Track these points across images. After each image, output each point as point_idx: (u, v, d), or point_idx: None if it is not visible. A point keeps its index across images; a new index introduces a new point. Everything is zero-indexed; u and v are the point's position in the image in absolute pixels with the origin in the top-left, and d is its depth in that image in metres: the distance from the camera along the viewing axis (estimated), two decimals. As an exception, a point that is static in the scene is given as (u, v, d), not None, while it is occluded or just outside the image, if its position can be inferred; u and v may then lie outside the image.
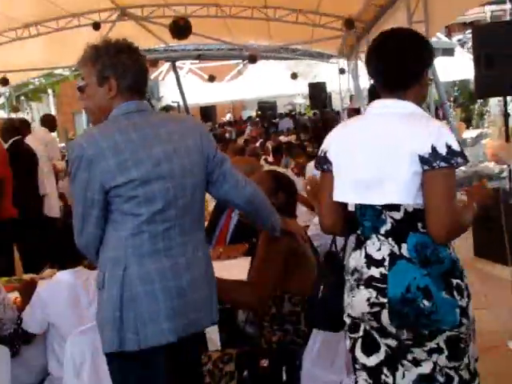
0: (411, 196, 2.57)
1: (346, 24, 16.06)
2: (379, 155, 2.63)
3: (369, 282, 2.66)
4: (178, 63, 27.49)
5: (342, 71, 22.32)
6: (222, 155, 3.11)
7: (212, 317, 2.98)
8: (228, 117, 33.31)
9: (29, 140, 7.99)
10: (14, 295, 3.82)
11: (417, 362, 2.66)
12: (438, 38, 20.38)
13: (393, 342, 2.69)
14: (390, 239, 2.66)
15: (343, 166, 2.75)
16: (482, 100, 17.93)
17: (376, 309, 2.64)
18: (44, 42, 18.02)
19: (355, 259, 2.76)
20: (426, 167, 2.51)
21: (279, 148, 11.71)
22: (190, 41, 17.78)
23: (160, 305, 2.76)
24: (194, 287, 2.86)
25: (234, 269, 3.71)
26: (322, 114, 23.63)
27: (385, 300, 2.61)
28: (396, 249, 2.64)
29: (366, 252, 2.71)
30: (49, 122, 9.73)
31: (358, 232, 2.82)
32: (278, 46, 22.67)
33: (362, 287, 2.69)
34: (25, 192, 6.91)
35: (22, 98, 26.39)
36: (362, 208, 2.76)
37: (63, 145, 15.63)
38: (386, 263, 2.64)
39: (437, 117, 19.03)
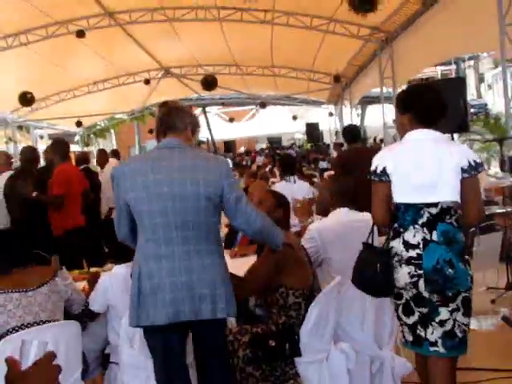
0: (455, 195, 2.87)
1: (334, 79, 16.09)
2: (432, 167, 2.89)
3: (409, 261, 2.91)
4: (207, 108, 27.60)
5: (330, 114, 22.29)
6: (238, 194, 2.96)
7: (215, 312, 2.84)
8: (242, 149, 33.14)
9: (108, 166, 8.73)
10: (83, 284, 3.82)
11: (442, 323, 2.91)
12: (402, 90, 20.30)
13: (424, 310, 2.94)
14: (424, 228, 2.91)
15: (403, 176, 2.94)
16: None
17: (415, 279, 2.89)
18: (108, 94, 18.21)
19: (395, 246, 2.98)
20: (465, 175, 2.85)
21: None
22: (216, 92, 17.84)
23: (158, 296, 2.79)
24: (189, 287, 2.80)
25: (246, 265, 3.68)
26: (316, 146, 23.66)
27: (421, 272, 2.88)
28: (428, 236, 2.90)
29: (403, 239, 2.95)
30: (116, 153, 11.37)
31: (395, 225, 3.01)
32: (282, 95, 22.73)
33: (403, 265, 2.93)
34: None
35: (92, 135, 26.50)
36: (405, 207, 2.96)
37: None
38: (421, 246, 2.89)
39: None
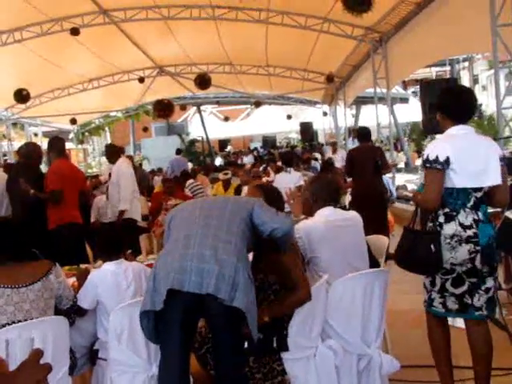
0: (500, 179, 3.36)
1: (328, 79, 16.07)
2: (482, 156, 3.34)
3: (468, 240, 3.30)
4: (201, 107, 27.57)
5: (324, 114, 22.31)
6: (274, 227, 3.08)
7: (219, 290, 2.80)
8: (229, 148, 32.95)
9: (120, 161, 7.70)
10: (72, 280, 3.83)
11: (487, 290, 3.38)
12: (396, 90, 20.40)
13: (474, 280, 3.35)
14: (473, 211, 3.34)
15: (462, 164, 3.29)
16: (429, 137, 17.94)
17: (473, 255, 3.30)
18: (102, 92, 18.17)
19: (451, 228, 3.33)
20: (501, 163, 3.37)
21: (279, 171, 11.80)
22: (211, 90, 17.84)
23: (168, 267, 2.88)
24: (199, 259, 2.85)
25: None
26: (310, 145, 23.71)
27: (478, 248, 3.30)
28: (476, 216, 3.33)
29: (459, 221, 3.33)
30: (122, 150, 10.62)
31: (446, 210, 3.37)
32: (276, 95, 22.70)
33: (463, 244, 3.30)
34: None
35: (86, 133, 26.45)
36: (457, 192, 3.34)
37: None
38: (474, 226, 3.31)
39: (395, 149, 19.07)
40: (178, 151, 17.39)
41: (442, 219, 3.37)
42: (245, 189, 7.76)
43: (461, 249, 3.29)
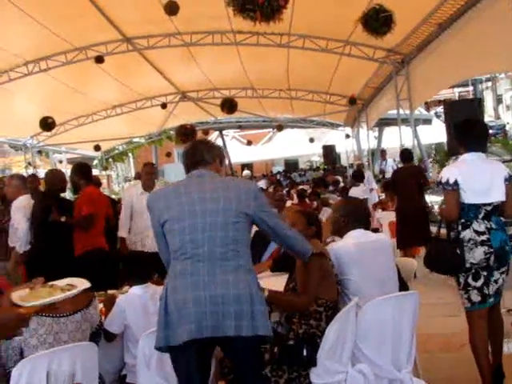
0: (503, 196, 4.06)
1: (350, 101, 16.09)
2: (487, 178, 4.06)
3: (482, 243, 4.00)
4: (224, 132, 27.76)
5: (347, 136, 22.30)
6: (270, 212, 3.10)
7: (241, 328, 2.75)
8: (246, 172, 32.90)
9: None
10: (100, 306, 3.84)
11: (496, 281, 4.08)
12: (419, 111, 20.34)
13: (485, 273, 4.03)
14: (484, 221, 4.04)
15: (471, 184, 4.03)
16: (454, 157, 17.79)
17: (488, 255, 4.01)
18: (125, 118, 18.38)
19: (467, 234, 4.04)
20: (506, 183, 4.08)
21: (302, 194, 11.87)
22: (233, 115, 17.94)
23: (182, 312, 2.76)
24: (213, 302, 2.75)
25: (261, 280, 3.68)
26: (333, 168, 23.66)
27: (492, 250, 4.00)
28: (488, 225, 4.04)
29: (473, 229, 4.03)
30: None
31: (462, 220, 4.07)
32: (299, 118, 22.75)
33: (479, 246, 4.01)
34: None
35: (110, 159, 26.74)
36: (468, 206, 4.04)
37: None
38: (487, 232, 4.02)
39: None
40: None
41: (460, 228, 4.11)
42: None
43: (477, 250, 4.02)
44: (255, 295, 2.84)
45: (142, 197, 6.68)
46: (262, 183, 22.62)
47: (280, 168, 32.87)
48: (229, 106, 15.15)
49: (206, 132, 23.93)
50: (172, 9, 8.31)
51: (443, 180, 4.09)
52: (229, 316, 2.75)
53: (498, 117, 28.57)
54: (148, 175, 7.02)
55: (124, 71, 13.94)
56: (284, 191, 14.85)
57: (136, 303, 3.47)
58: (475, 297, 4.08)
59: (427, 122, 23.79)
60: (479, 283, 4.06)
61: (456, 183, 4.03)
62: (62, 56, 12.17)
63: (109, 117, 17.94)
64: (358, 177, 13.27)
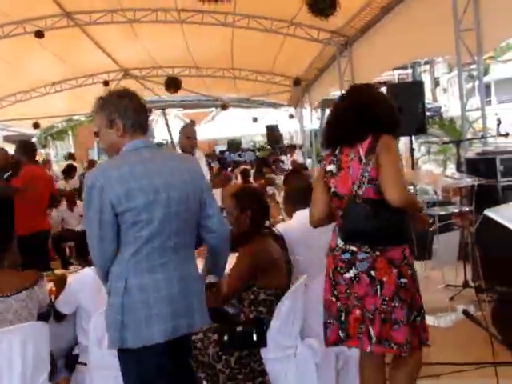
0: None
1: (294, 82, 16.21)
2: None
3: None
4: (166, 110, 27.44)
5: (291, 116, 22.46)
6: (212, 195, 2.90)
7: (204, 319, 2.76)
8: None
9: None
10: (50, 285, 3.81)
11: None
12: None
13: None
14: None
15: None
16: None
17: None
18: (66, 96, 17.94)
19: None
20: None
21: (247, 173, 11.96)
22: (176, 93, 17.79)
23: (152, 311, 2.55)
24: (185, 296, 2.64)
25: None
26: (278, 147, 23.80)
27: None
28: None
29: None
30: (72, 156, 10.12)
31: None
32: (242, 98, 22.75)
33: None
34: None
35: (49, 137, 26.07)
36: None
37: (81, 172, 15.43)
38: None
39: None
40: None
41: None
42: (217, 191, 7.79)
43: None
44: (200, 277, 2.87)
45: None
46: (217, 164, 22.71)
47: (223, 147, 32.80)
48: (173, 84, 15.00)
49: (149, 110, 23.55)
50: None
51: None
52: (197, 310, 2.72)
53: (435, 99, 29.31)
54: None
55: (64, 47, 13.57)
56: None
57: (90, 283, 3.47)
58: None
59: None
60: None
61: None
62: (-1, 29, 11.75)
63: (48, 94, 17.45)
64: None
